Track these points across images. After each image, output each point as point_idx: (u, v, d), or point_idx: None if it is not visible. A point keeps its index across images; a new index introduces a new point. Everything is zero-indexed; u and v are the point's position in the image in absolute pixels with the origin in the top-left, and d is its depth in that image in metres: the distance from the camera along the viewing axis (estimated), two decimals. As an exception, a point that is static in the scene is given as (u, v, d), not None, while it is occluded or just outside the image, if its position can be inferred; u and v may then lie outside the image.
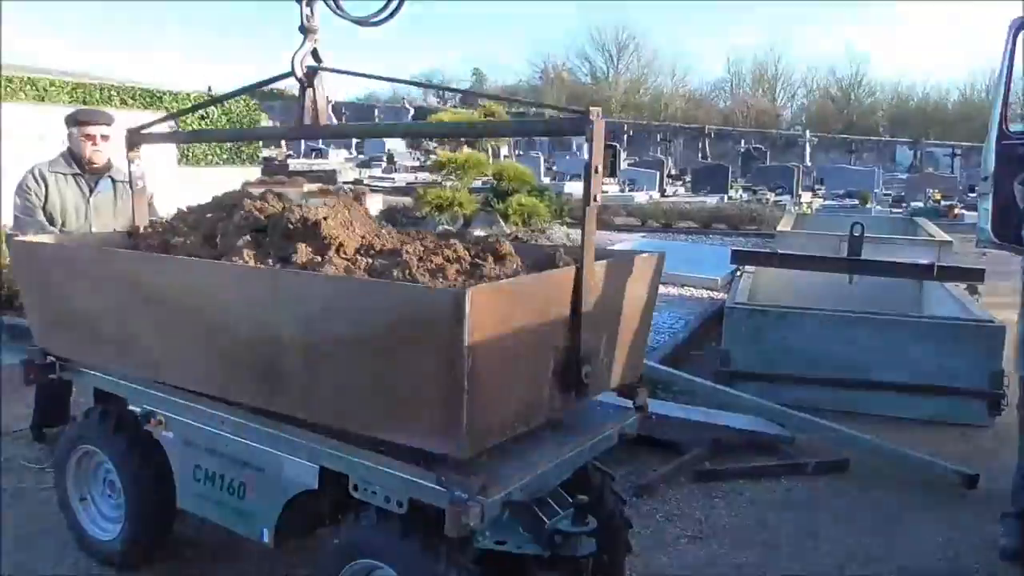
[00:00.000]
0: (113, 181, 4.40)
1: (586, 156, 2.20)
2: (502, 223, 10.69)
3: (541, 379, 2.30)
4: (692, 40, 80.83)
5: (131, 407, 3.09)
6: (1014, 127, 6.36)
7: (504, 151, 15.67)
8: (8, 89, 13.53)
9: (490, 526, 2.38)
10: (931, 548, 3.58)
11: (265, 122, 21.03)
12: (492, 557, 2.47)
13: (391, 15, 2.77)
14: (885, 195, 22.47)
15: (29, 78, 14.22)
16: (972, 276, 6.09)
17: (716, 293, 8.58)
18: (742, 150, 31.24)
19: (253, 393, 2.50)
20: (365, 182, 21.82)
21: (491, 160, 11.20)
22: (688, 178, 25.20)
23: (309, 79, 2.72)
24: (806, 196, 20.53)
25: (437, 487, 2.17)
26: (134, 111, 13.86)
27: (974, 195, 16.23)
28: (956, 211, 17.74)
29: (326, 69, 2.76)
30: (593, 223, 2.27)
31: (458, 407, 1.98)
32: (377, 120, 42.05)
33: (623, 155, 27.62)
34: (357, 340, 2.17)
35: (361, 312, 2.17)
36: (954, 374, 5.08)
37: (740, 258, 6.76)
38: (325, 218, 2.58)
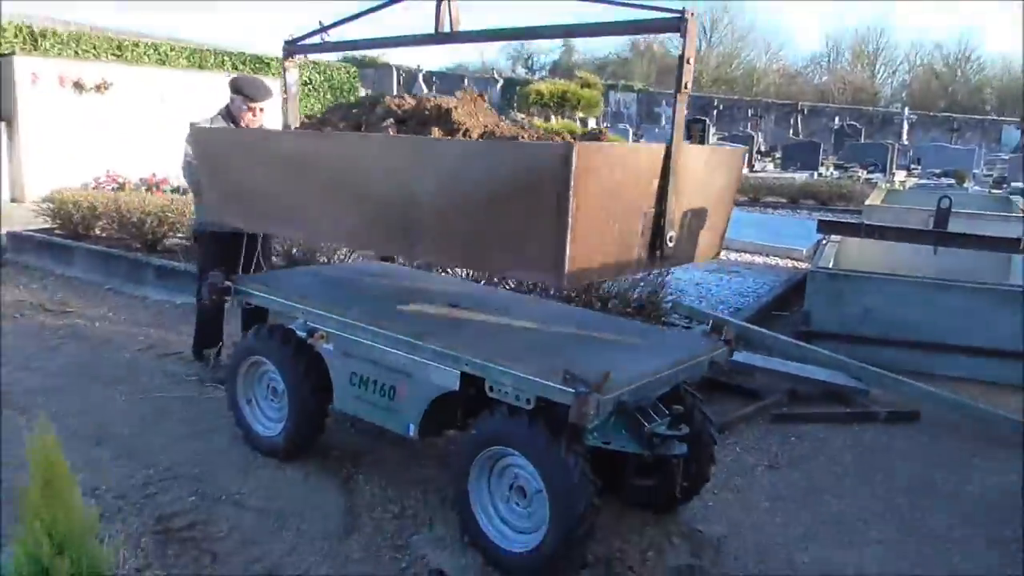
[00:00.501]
0: None
1: (680, 50, 2.60)
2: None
3: (631, 237, 2.73)
4: (791, 12, 78.00)
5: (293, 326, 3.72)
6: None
7: (592, 123, 15.95)
8: (134, 53, 14.64)
9: (602, 426, 2.90)
10: (1001, 484, 3.92)
11: (361, 91, 21.77)
12: (598, 458, 2.97)
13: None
14: (987, 175, 21.75)
15: (153, 43, 15.32)
16: (1060, 251, 6.20)
17: (801, 263, 8.81)
18: (835, 127, 30.51)
19: (395, 245, 3.05)
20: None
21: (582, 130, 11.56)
22: (778, 154, 24.90)
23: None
24: (900, 175, 20.11)
25: (562, 386, 2.69)
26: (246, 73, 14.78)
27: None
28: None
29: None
30: (683, 110, 2.71)
31: (562, 246, 2.45)
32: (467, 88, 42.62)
33: (712, 130, 27.45)
34: (485, 193, 2.67)
35: (488, 169, 2.67)
36: (1032, 341, 5.29)
37: (826, 228, 7.02)
38: (455, 107, 3.06)
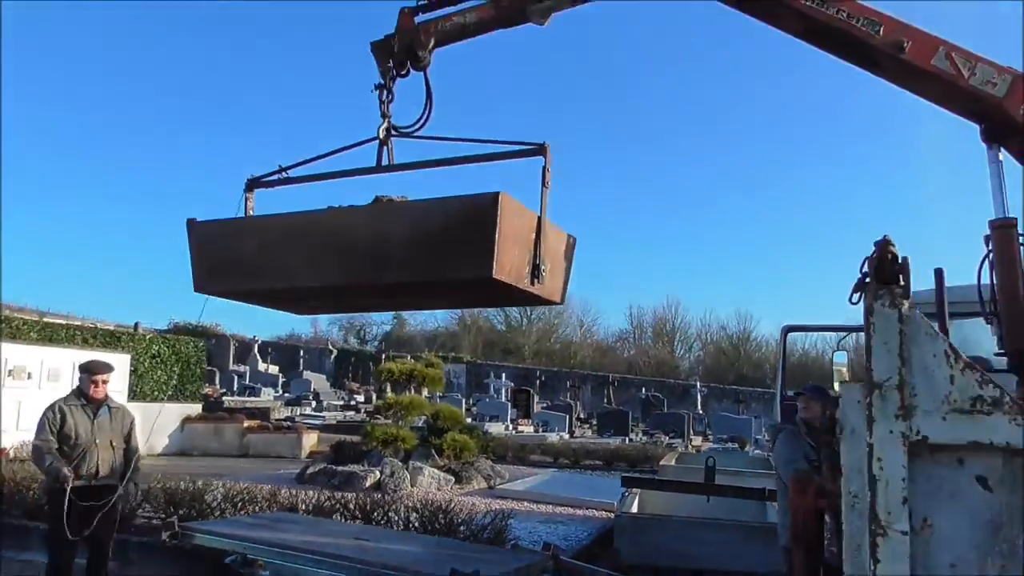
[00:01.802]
0: (109, 408, 6.17)
1: (543, 166, 3.75)
2: (436, 457, 12.63)
3: (523, 265, 3.76)
4: (599, 294, 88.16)
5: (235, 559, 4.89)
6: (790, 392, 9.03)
7: (437, 398, 17.86)
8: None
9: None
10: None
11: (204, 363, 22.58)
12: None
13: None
14: (767, 440, 25.44)
15: (5, 316, 15.97)
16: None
17: (612, 514, 10.56)
18: (643, 397, 34.40)
19: (367, 274, 3.89)
20: (297, 419, 23.31)
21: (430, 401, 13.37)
22: (594, 422, 27.77)
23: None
24: (696, 439, 23.20)
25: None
26: (95, 350, 15.62)
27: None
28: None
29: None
30: (545, 202, 3.82)
31: (491, 251, 3.47)
32: (302, 359, 44.13)
33: (536, 398, 30.26)
34: (439, 229, 3.71)
35: (442, 214, 3.71)
36: (771, 562, 7.16)
37: (627, 482, 8.94)
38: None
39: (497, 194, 3.50)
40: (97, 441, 5.94)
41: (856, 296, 1.43)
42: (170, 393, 19.98)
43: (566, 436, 22.95)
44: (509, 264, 3.61)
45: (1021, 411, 1.16)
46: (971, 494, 1.18)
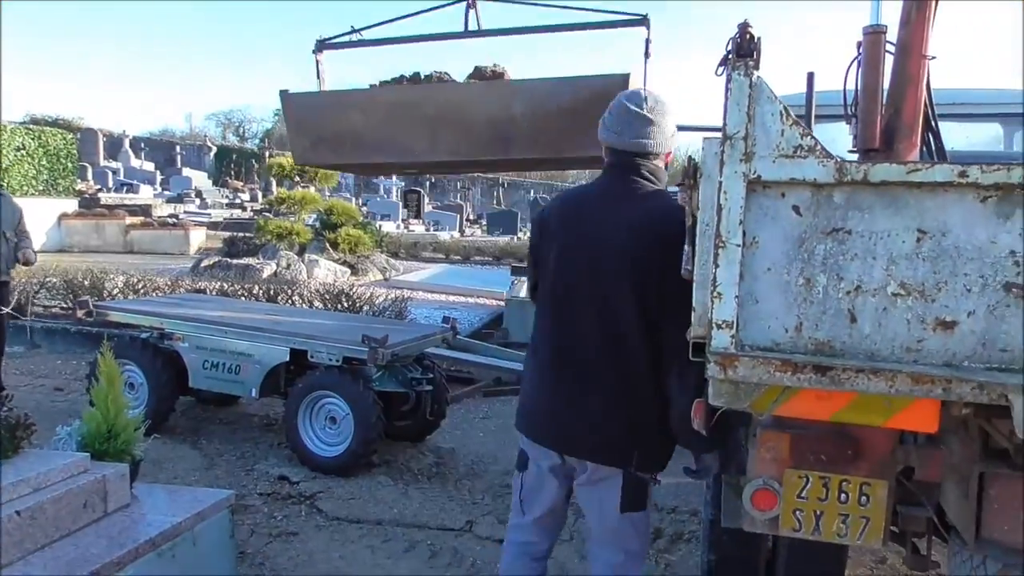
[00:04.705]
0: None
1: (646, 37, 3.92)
2: (331, 250, 12.92)
3: None
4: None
5: (149, 335, 5.18)
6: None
7: (327, 193, 17.82)
8: None
9: (380, 376, 4.81)
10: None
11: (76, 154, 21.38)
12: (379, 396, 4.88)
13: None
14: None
15: None
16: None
17: (502, 302, 11.36)
18: (531, 199, 35.24)
19: (493, 150, 3.95)
20: (181, 217, 22.81)
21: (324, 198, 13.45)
22: (483, 222, 28.49)
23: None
24: (581, 238, 24.33)
25: (360, 346, 4.58)
26: None
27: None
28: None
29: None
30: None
31: None
32: (179, 156, 42.21)
33: (427, 199, 30.52)
34: (566, 108, 3.74)
35: (571, 92, 3.73)
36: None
37: (517, 271, 9.58)
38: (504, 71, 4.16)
39: (627, 75, 3.52)
40: None
41: (720, 69, 1.76)
42: (41, 188, 19.08)
43: (456, 235, 23.56)
44: None
45: (827, 155, 1.55)
46: (787, 218, 1.59)
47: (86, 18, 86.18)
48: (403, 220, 25.09)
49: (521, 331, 8.16)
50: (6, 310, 5.83)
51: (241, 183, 39.39)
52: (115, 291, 7.81)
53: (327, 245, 12.93)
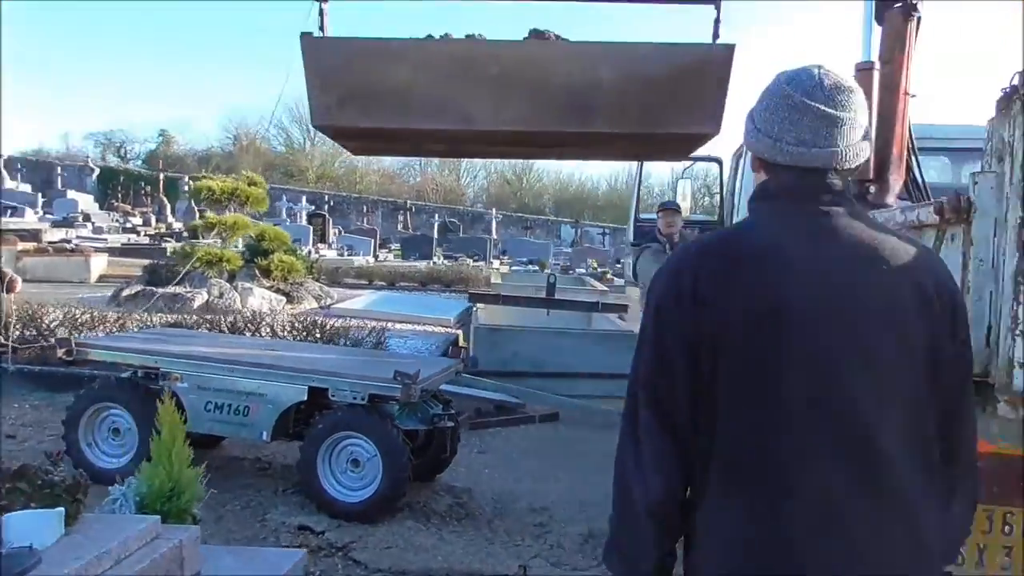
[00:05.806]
0: None
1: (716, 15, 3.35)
2: (262, 278, 12.36)
3: None
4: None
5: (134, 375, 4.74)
6: (643, 215, 9.86)
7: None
8: None
9: (401, 413, 4.58)
10: (607, 448, 6.37)
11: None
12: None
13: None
14: (555, 263, 27.31)
15: None
16: (619, 308, 9.39)
17: (449, 329, 11.16)
18: (438, 223, 35.05)
19: (570, 121, 3.45)
20: (74, 242, 21.32)
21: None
22: (395, 246, 28.09)
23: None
24: (496, 263, 24.38)
25: (391, 383, 4.34)
26: None
27: (620, 265, 21.00)
28: (608, 277, 22.41)
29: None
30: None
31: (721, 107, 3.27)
32: (60, 177, 39.59)
33: (331, 223, 29.82)
34: (661, 77, 3.34)
35: (666, 60, 3.36)
36: (616, 364, 8.11)
37: (475, 298, 9.46)
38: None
39: (733, 45, 3.25)
40: None
41: (1004, 104, 1.76)
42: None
43: (371, 260, 23.10)
44: None
45: None
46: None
47: (-57, 27, 79.87)
48: (313, 245, 24.39)
49: (492, 359, 8.01)
50: None
51: (130, 206, 37.32)
52: (54, 325, 7.15)
53: (256, 273, 12.36)
